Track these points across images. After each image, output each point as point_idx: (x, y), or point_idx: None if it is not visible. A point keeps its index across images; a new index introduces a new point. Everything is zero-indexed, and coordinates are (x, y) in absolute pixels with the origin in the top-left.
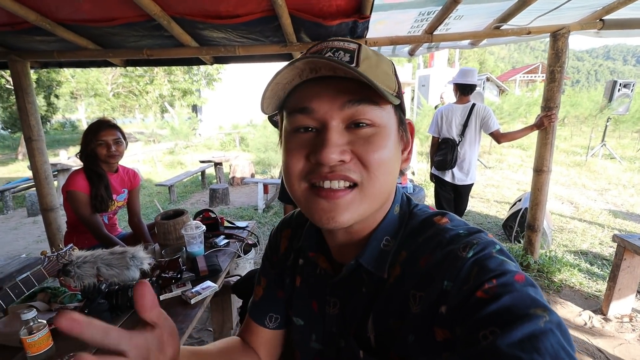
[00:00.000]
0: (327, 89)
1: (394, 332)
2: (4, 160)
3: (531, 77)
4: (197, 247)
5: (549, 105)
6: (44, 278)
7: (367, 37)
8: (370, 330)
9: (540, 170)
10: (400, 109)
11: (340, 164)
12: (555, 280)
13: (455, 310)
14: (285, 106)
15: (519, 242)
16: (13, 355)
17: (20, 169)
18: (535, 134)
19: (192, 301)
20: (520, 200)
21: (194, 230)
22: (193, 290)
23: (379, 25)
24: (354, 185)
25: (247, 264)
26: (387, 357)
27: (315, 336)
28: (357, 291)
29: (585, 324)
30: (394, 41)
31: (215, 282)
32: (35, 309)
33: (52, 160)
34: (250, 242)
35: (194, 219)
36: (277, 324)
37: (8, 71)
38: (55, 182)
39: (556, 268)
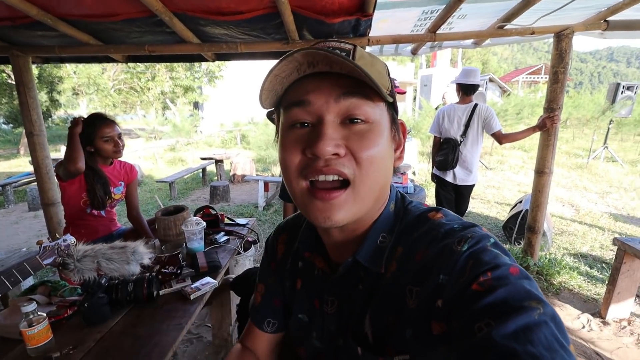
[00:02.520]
0: (324, 83)
1: (391, 328)
2: (5, 155)
3: (534, 78)
4: (197, 243)
5: (552, 106)
6: (39, 267)
7: (369, 35)
8: (367, 327)
9: (541, 171)
10: (392, 108)
11: (335, 157)
12: (554, 282)
13: (451, 303)
14: (282, 102)
15: (519, 243)
16: (13, 347)
17: (21, 164)
18: (537, 136)
19: (192, 297)
20: (521, 202)
21: (194, 226)
22: (192, 286)
23: (382, 23)
24: (346, 184)
25: (247, 260)
26: (384, 352)
27: (315, 334)
28: (354, 288)
29: (584, 327)
30: (397, 40)
31: (214, 278)
32: (35, 302)
33: (54, 155)
34: (250, 239)
35: (195, 215)
36: (274, 329)
37: (10, 66)
38: None
39: (555, 270)
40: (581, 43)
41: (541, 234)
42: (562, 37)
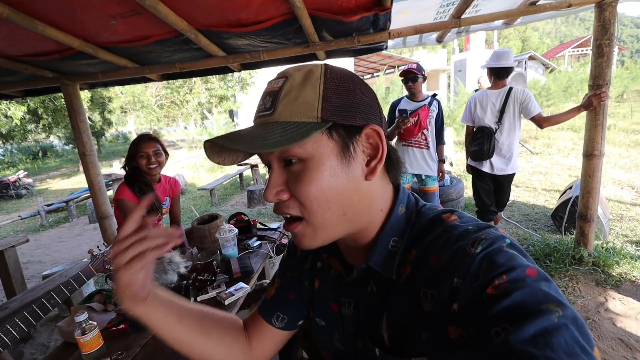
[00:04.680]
0: None
1: (407, 331)
2: (68, 173)
3: (582, 50)
4: (231, 250)
5: (598, 82)
6: (92, 274)
7: (390, 28)
8: (384, 330)
9: (590, 154)
10: (341, 127)
11: (281, 201)
12: (614, 274)
13: (466, 307)
14: None
15: (571, 233)
16: (73, 351)
17: (81, 181)
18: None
19: (226, 302)
20: (570, 187)
21: (228, 233)
22: (227, 291)
23: (402, 15)
24: (302, 218)
25: None
26: (401, 354)
27: (337, 335)
28: (368, 292)
29: None
30: (419, 30)
31: (247, 283)
32: (87, 312)
33: (107, 170)
34: (284, 241)
35: (228, 222)
36: (283, 324)
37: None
38: (110, 192)
39: (614, 260)
40: (637, 7)
41: (594, 222)
42: (604, 6)
